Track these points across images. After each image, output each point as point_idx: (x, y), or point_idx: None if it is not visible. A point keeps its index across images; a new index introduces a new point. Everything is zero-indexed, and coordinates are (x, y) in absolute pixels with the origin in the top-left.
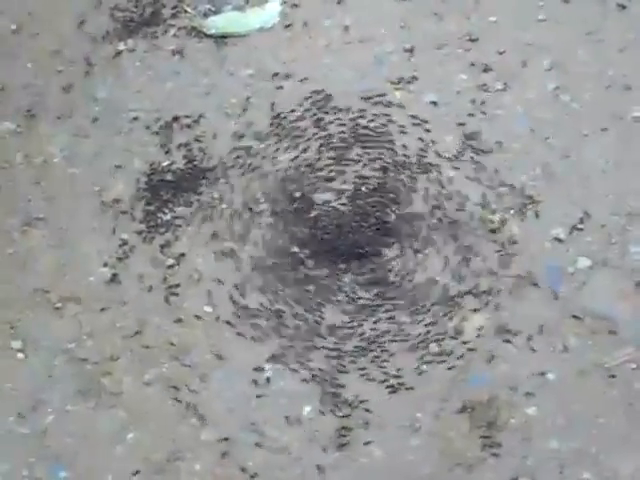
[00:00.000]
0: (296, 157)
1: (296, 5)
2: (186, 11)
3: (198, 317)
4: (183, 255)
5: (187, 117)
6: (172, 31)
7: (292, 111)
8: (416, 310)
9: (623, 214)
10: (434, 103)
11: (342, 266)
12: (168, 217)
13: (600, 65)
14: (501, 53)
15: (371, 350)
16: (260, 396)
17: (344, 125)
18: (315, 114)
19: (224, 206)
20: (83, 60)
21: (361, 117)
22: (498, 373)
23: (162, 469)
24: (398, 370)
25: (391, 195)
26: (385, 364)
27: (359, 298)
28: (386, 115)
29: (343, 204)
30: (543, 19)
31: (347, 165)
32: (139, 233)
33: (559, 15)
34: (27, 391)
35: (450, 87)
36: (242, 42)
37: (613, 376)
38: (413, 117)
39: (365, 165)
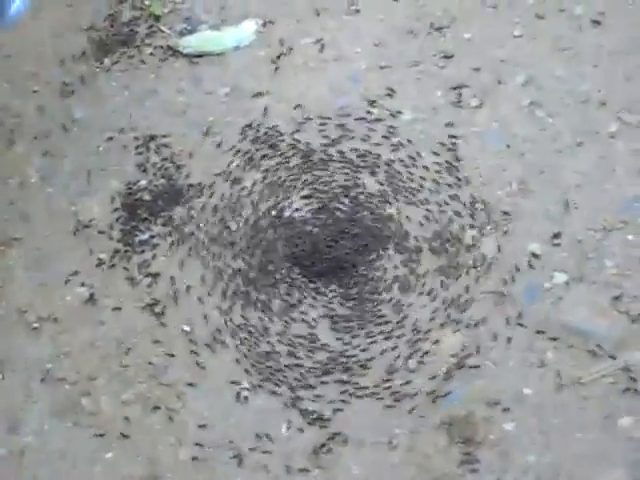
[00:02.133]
0: (273, 174)
1: (272, 23)
2: (162, 30)
3: (177, 336)
4: (160, 274)
5: (164, 136)
6: (148, 50)
7: (269, 128)
8: (393, 326)
9: (599, 229)
10: (410, 120)
11: (320, 282)
12: (145, 236)
13: (575, 80)
14: (476, 70)
15: (348, 366)
16: (238, 414)
17: (321, 142)
18: (292, 132)
19: (202, 224)
20: (59, 80)
21: (338, 134)
22: (475, 389)
23: None
24: (375, 386)
25: (366, 212)
26: (362, 380)
27: (336, 315)
28: (363, 132)
29: (319, 221)
30: (518, 35)
31: (323, 182)
32: (116, 252)
33: (534, 31)
34: (4, 412)
35: (425, 104)
36: (218, 61)
37: (589, 391)
38: (389, 134)
39: (342, 181)
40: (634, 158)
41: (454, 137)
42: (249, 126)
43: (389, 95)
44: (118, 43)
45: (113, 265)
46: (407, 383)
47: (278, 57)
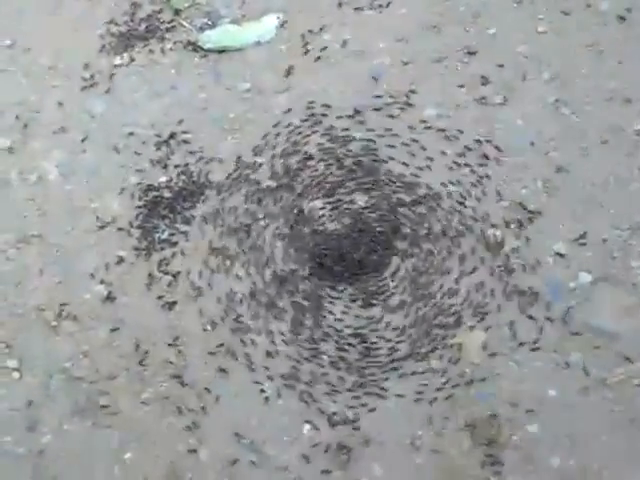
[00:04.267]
0: (294, 172)
1: (293, 19)
2: (182, 25)
3: (196, 335)
4: (180, 272)
5: (184, 132)
6: (168, 45)
7: (289, 125)
8: (417, 327)
9: (625, 228)
10: (433, 116)
11: (341, 285)
12: (165, 234)
13: (600, 77)
14: (500, 66)
15: (371, 368)
16: (259, 415)
17: (342, 138)
18: (313, 128)
19: (221, 222)
20: (78, 75)
21: (359, 130)
22: (499, 390)
23: None
24: (399, 387)
25: (390, 210)
26: (385, 382)
27: (357, 316)
28: (387, 129)
29: (342, 222)
30: (543, 31)
31: (346, 180)
32: (136, 250)
33: (559, 27)
34: (23, 410)
35: (449, 101)
36: (239, 56)
37: (615, 393)
38: (411, 130)
39: (364, 180)
40: None
41: (477, 134)
42: (269, 122)
43: (412, 91)
44: (138, 37)
45: (132, 263)
46: (431, 384)
47: (299, 53)
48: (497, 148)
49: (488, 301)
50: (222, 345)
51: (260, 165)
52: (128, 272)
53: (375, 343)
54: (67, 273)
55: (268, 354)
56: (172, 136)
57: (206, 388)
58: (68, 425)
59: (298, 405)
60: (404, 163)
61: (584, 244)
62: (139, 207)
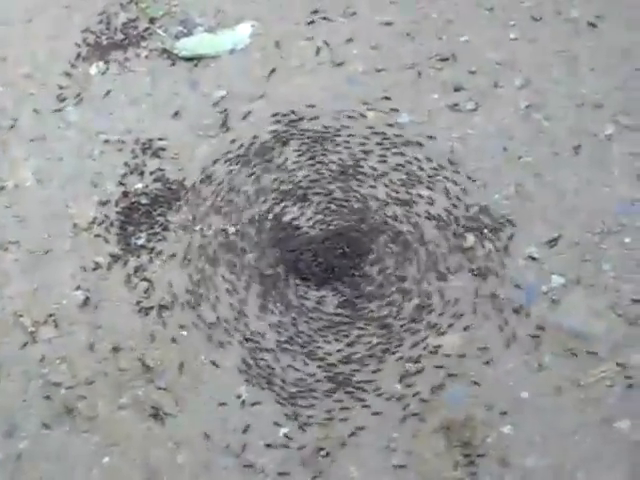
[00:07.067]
0: (270, 178)
1: (268, 26)
2: (158, 33)
3: (173, 340)
4: (157, 278)
5: (160, 139)
6: (144, 53)
7: (264, 132)
8: (390, 330)
9: (596, 232)
10: (406, 123)
11: (317, 286)
12: (142, 240)
13: (572, 83)
14: (472, 72)
15: (346, 371)
16: (236, 418)
17: (318, 145)
18: (287, 135)
19: (197, 228)
20: (54, 83)
21: (334, 136)
22: (474, 392)
23: None
24: (374, 390)
25: (361, 215)
26: (361, 384)
27: (335, 314)
28: (360, 135)
29: (313, 226)
30: (514, 38)
31: (321, 184)
32: (112, 256)
33: (530, 34)
34: (1, 416)
35: (422, 107)
36: (214, 64)
37: (588, 393)
38: (385, 137)
39: (338, 185)
40: (631, 161)
41: (450, 140)
42: (244, 129)
43: (386, 98)
44: (114, 46)
45: (109, 269)
46: (406, 386)
47: (274, 60)
48: (469, 154)
49: (462, 304)
50: (199, 350)
51: (236, 172)
52: (105, 278)
53: (352, 345)
54: (44, 279)
55: (244, 359)
56: (148, 143)
57: (184, 391)
58: (46, 430)
59: (274, 408)
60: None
61: (556, 247)
62: (116, 213)
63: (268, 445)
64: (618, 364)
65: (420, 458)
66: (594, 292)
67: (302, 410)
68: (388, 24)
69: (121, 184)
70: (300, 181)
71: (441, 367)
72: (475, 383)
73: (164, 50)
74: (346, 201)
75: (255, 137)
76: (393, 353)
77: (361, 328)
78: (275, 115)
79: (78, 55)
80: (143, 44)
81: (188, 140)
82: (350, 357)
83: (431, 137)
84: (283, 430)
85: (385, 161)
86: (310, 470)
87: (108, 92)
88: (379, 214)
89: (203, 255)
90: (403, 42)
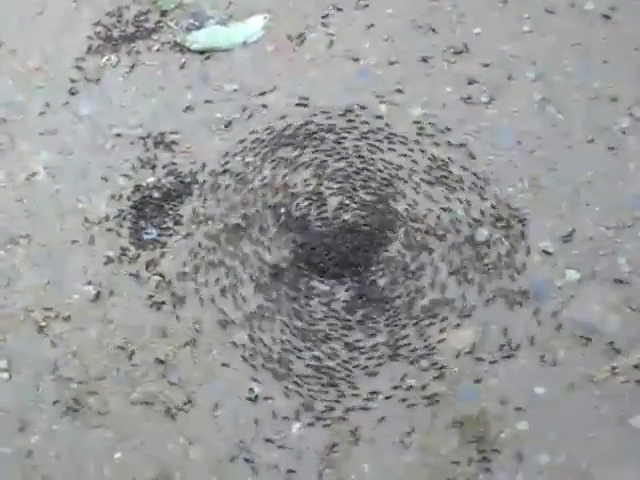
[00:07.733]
0: (282, 172)
1: (280, 19)
2: (169, 26)
3: (185, 334)
4: (169, 273)
5: (172, 133)
6: (155, 46)
7: (277, 126)
8: (404, 325)
9: (611, 226)
10: (420, 116)
11: (328, 282)
12: (154, 234)
13: (586, 76)
14: (486, 65)
15: (359, 365)
16: (248, 414)
17: (329, 140)
18: (300, 128)
19: (210, 223)
20: (65, 76)
21: (346, 131)
22: (488, 388)
23: None
24: (388, 384)
25: (376, 208)
26: (374, 379)
27: (347, 312)
28: (372, 130)
29: (327, 220)
30: (528, 31)
31: (332, 179)
32: (124, 250)
33: (544, 26)
34: (12, 411)
35: (435, 100)
36: (226, 57)
37: (602, 389)
38: (398, 130)
39: (351, 180)
40: None
41: (464, 133)
42: (257, 122)
43: (399, 91)
44: (125, 39)
45: (121, 263)
46: (419, 382)
47: (286, 53)
48: (483, 147)
49: (476, 299)
50: (211, 345)
51: (248, 164)
52: (117, 272)
53: (360, 341)
54: (56, 274)
55: (252, 354)
56: (160, 137)
57: (196, 386)
58: (57, 425)
59: (287, 404)
60: (389, 161)
61: (571, 242)
62: (127, 208)
63: (281, 440)
64: (633, 359)
65: (434, 454)
66: (609, 287)
67: (316, 406)
68: (401, 17)
69: (133, 178)
70: (311, 176)
71: (455, 362)
72: (489, 378)
73: (176, 43)
74: (359, 195)
75: (268, 130)
76: (406, 347)
77: (374, 321)
78: (288, 107)
79: (89, 48)
80: (154, 37)
81: (200, 133)
82: (361, 351)
83: (444, 130)
84: (296, 425)
85: (397, 154)
86: (323, 466)
87: (119, 85)
88: (392, 208)
89: (217, 249)
90: (416, 35)
